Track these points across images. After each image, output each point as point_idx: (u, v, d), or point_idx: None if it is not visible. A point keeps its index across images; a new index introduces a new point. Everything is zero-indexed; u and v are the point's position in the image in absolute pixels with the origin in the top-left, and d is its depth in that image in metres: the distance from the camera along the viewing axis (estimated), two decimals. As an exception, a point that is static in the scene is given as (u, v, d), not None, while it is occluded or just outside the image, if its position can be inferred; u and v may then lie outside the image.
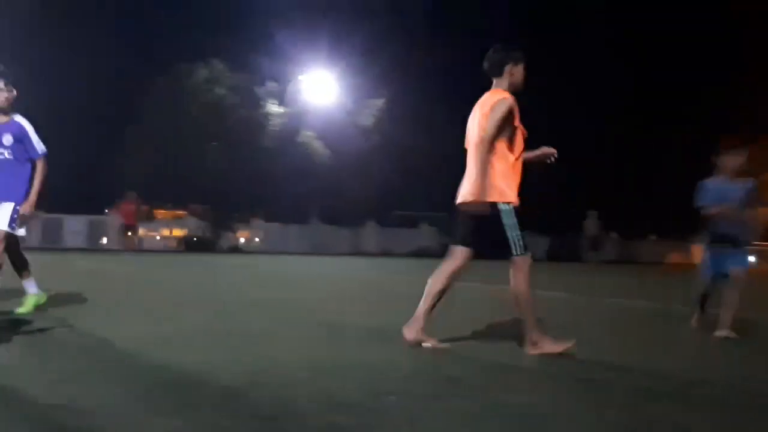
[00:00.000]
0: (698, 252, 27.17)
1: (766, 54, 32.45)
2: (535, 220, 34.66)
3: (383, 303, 8.15)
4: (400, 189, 33.13)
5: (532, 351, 4.27)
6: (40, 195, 5.44)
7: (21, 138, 5.42)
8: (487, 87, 4.52)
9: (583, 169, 35.84)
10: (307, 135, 32.50)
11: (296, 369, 3.70)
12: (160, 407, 2.82)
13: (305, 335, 5.06)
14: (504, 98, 4.29)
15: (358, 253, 31.98)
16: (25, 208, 5.37)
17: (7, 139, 5.38)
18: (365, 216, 33.54)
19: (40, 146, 5.50)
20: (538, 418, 2.85)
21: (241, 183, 29.46)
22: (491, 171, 4.26)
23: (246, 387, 3.22)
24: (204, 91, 30.38)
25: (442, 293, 4.50)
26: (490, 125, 4.22)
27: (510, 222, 4.27)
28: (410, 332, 4.43)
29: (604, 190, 35.26)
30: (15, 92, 5.46)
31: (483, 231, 4.37)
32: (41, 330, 4.81)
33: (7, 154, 5.39)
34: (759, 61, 32.79)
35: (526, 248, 4.30)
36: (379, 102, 33.10)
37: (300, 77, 32.39)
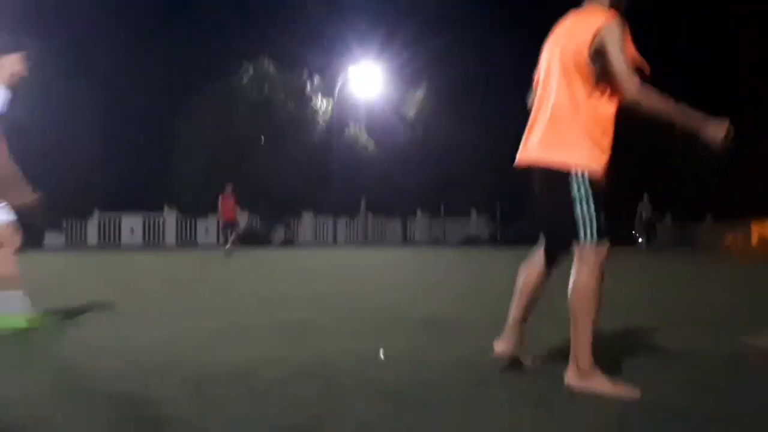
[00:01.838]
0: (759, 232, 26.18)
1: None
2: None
3: (432, 293, 8.22)
4: (448, 178, 33.12)
5: (574, 383, 3.14)
6: None
7: None
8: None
9: (636, 148, 35.13)
10: (354, 128, 32.76)
11: (344, 360, 3.81)
12: (212, 399, 2.96)
13: (354, 326, 5.17)
14: (613, 20, 3.08)
15: (407, 243, 32.11)
16: None
17: None
18: (414, 206, 33.63)
19: None
20: (560, 408, 2.91)
21: (291, 178, 29.83)
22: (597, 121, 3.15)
23: (294, 378, 3.34)
24: (252, 89, 30.82)
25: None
26: (617, 59, 3.03)
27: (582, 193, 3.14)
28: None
29: (657, 171, 34.54)
30: None
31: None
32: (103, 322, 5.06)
33: None
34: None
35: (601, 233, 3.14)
36: (424, 93, 33.15)
37: (347, 70, 32.59)
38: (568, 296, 3.12)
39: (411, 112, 33.43)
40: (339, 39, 31.81)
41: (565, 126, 3.15)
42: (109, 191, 28.73)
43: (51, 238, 26.51)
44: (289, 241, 29.97)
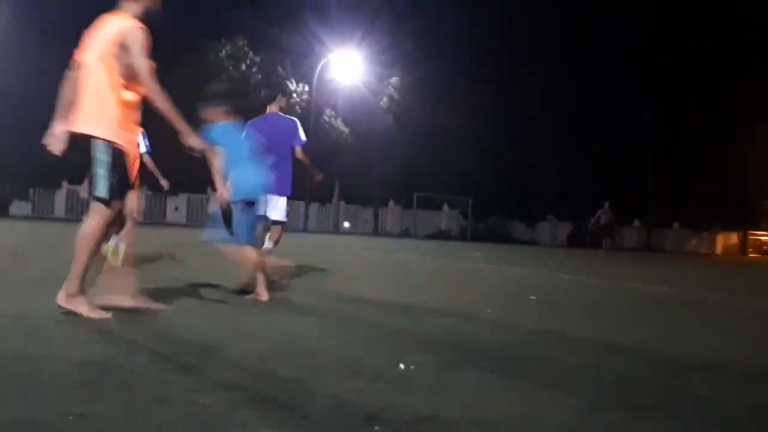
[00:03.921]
0: (721, 240, 27.47)
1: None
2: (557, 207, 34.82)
3: (406, 281, 8.22)
4: (422, 170, 33.16)
5: (61, 303, 3.83)
6: None
7: None
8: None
9: (609, 158, 35.67)
10: (330, 114, 32.58)
11: (322, 339, 3.77)
12: (185, 367, 2.91)
13: (330, 308, 5.13)
14: (140, 28, 3.95)
15: (378, 233, 32.12)
16: None
17: None
18: (387, 197, 33.62)
19: None
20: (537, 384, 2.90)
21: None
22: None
23: (272, 354, 3.29)
24: (227, 68, 30.52)
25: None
26: (140, 59, 3.88)
27: (102, 158, 3.86)
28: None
29: (627, 180, 35.12)
30: None
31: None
32: None
33: None
34: None
35: (111, 194, 3.85)
36: (401, 82, 33.09)
37: (328, 56, 32.41)
38: (77, 237, 3.81)
39: (391, 101, 33.32)
40: (319, 23, 31.44)
41: (97, 105, 3.89)
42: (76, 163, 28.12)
43: (18, 207, 26.03)
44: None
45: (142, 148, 7.13)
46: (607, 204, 23.04)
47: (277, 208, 6.52)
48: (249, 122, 6.51)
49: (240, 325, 4.10)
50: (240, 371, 2.90)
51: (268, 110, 6.83)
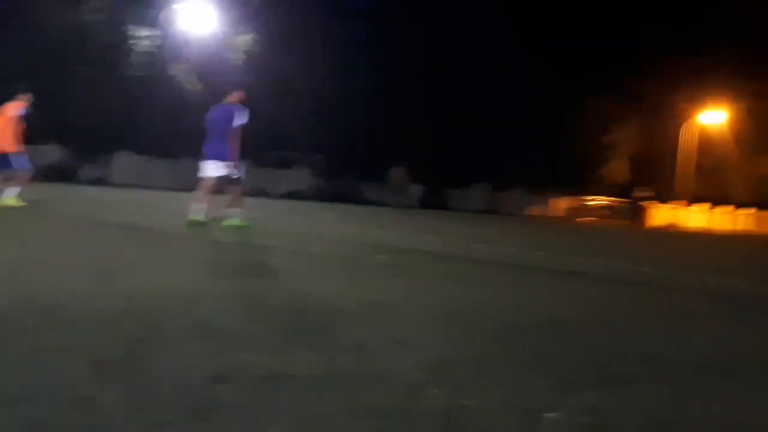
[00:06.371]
0: (555, 205, 30.00)
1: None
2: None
3: (253, 239, 8.19)
4: (277, 129, 32.67)
5: None
6: None
7: None
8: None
9: (457, 118, 36.89)
10: (178, 67, 31.25)
11: (165, 298, 3.72)
12: (21, 329, 2.78)
13: (176, 266, 5.04)
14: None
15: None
16: None
17: None
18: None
19: None
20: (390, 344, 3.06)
21: (106, 112, 27.96)
22: None
23: (113, 315, 3.21)
24: (61, 11, 28.44)
25: None
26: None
27: None
28: None
29: (473, 141, 36.57)
30: None
31: None
32: None
33: None
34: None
35: None
36: (255, 37, 32.31)
37: (173, 5, 30.90)
38: None
39: (244, 55, 32.41)
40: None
41: None
42: None
43: None
44: (99, 180, 28.25)
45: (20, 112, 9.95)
46: (398, 165, 25.09)
47: (221, 168, 9.08)
48: (210, 107, 9.18)
49: (81, 283, 3.94)
50: (80, 332, 2.82)
51: (227, 99, 8.97)
